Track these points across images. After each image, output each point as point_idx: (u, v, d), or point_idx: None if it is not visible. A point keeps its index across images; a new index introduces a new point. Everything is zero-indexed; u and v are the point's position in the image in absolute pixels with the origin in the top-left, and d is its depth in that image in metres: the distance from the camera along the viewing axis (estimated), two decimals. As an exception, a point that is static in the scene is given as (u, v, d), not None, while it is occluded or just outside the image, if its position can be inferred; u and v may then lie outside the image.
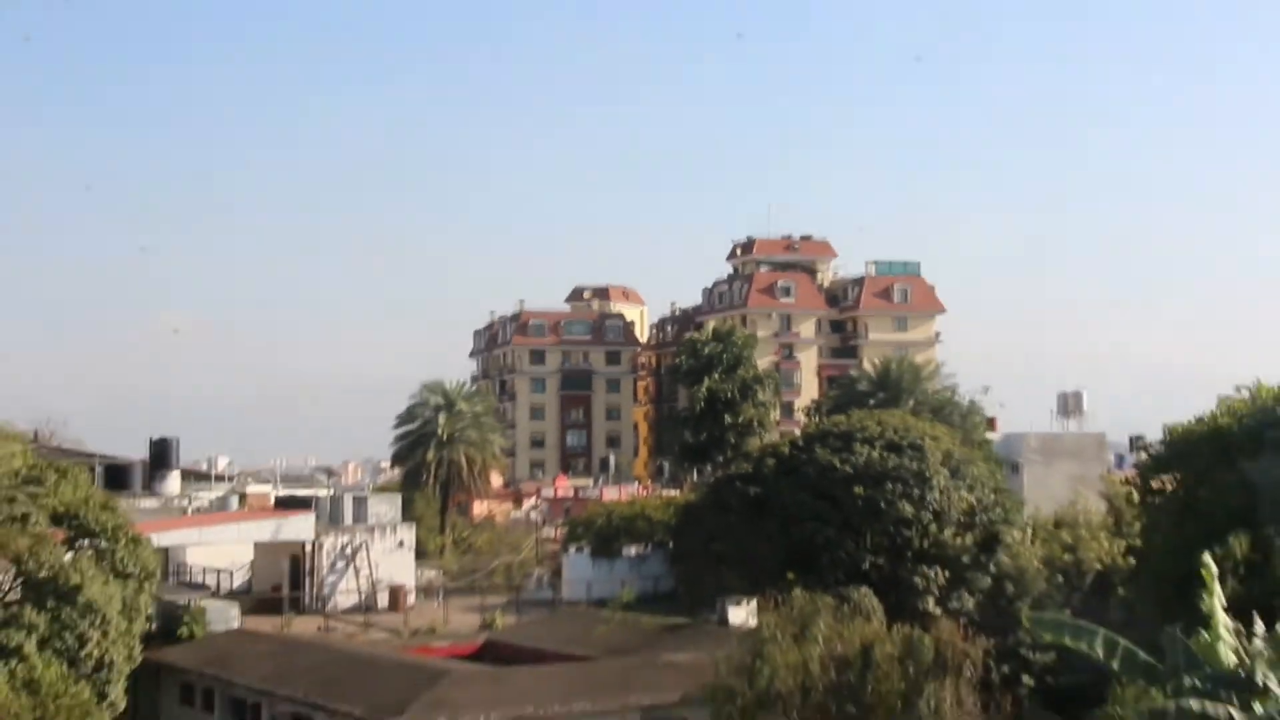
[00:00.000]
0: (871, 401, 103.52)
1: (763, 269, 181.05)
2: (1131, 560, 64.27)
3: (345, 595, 73.62)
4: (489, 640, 61.07)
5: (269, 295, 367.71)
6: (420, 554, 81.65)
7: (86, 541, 51.70)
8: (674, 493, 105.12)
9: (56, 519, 51.43)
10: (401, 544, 77.30)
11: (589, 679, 47.94)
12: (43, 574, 48.06)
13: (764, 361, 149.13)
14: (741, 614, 56.31)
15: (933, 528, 64.37)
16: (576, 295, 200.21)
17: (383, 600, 73.62)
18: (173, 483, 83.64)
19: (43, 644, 45.67)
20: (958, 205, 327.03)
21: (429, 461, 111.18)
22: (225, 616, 60.86)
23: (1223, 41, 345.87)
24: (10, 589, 49.03)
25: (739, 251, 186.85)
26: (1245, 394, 59.67)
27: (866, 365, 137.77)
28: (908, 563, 63.52)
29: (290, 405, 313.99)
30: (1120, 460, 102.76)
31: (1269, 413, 56.45)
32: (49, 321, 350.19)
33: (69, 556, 49.88)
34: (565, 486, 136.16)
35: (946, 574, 63.56)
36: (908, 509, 64.23)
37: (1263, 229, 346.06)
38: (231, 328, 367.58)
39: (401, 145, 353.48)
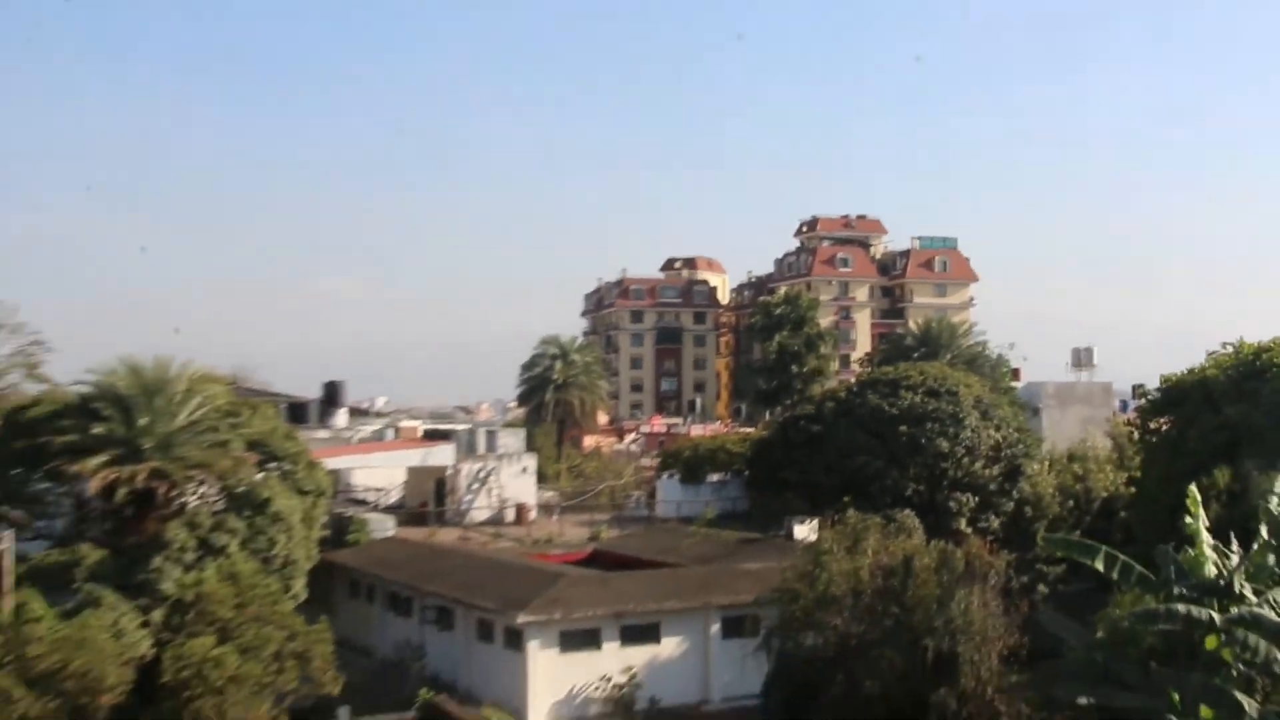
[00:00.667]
0: (915, 355, 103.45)
1: (824, 243, 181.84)
2: (1131, 489, 64.25)
3: (479, 511, 74.76)
4: (596, 549, 61.68)
5: (422, 262, 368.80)
6: (540, 478, 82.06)
7: (274, 464, 53.26)
8: (749, 430, 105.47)
9: (251, 446, 52.82)
10: (525, 470, 78.42)
11: (677, 582, 47.99)
12: (241, 489, 49.82)
13: (825, 321, 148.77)
14: (804, 531, 56.11)
15: (965, 460, 65.11)
16: (669, 265, 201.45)
17: (509, 515, 74.58)
18: (341, 418, 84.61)
19: (242, 545, 47.29)
20: (988, 186, 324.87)
21: (547, 402, 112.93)
22: (383, 527, 61.99)
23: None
24: (217, 501, 50.63)
25: (804, 228, 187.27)
26: (1230, 349, 60.31)
27: (911, 325, 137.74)
28: (943, 490, 64.38)
29: (436, 354, 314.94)
30: (1124, 405, 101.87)
31: (1249, 366, 57.17)
32: (246, 282, 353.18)
33: (261, 476, 51.41)
34: (659, 424, 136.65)
35: (976, 499, 64.48)
36: (944, 445, 65.05)
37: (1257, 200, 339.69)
38: (392, 289, 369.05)
39: (551, 141, 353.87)
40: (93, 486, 49.50)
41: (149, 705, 40.16)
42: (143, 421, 50.49)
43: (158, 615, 43.89)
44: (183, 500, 50.80)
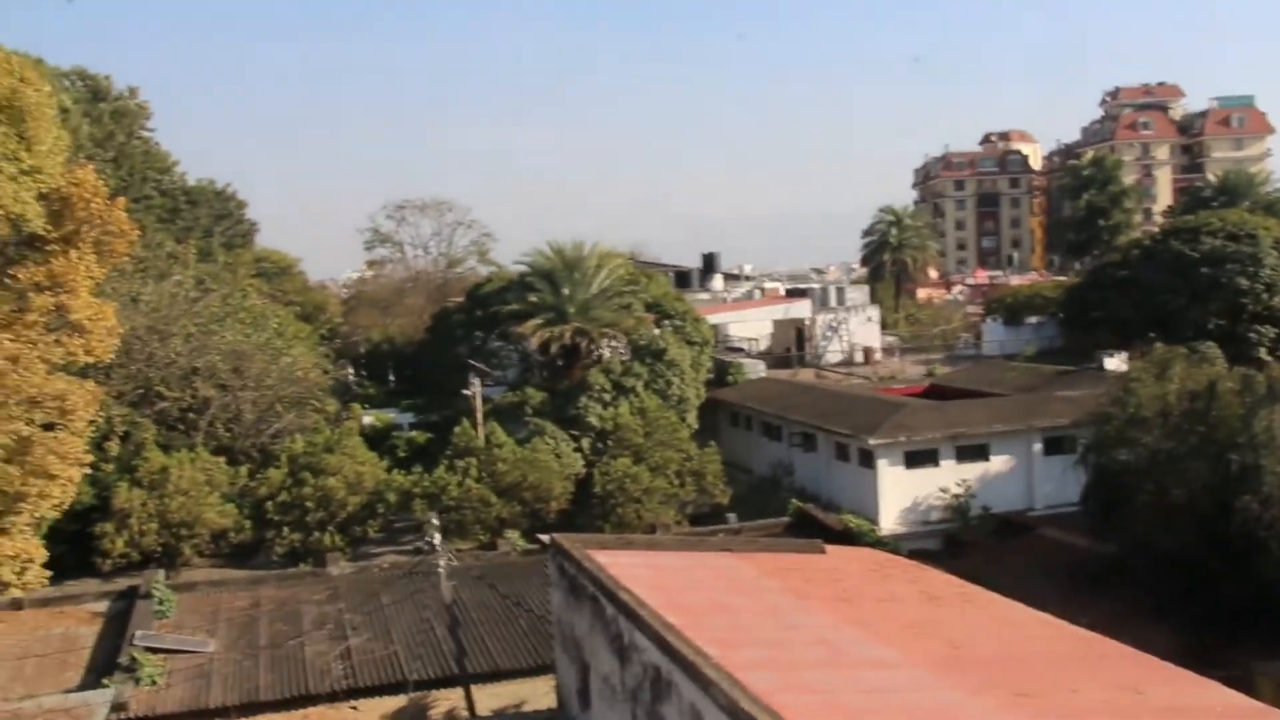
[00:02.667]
0: (1214, 204, 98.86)
1: (1126, 110, 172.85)
2: None
3: (832, 354, 76.45)
4: (932, 383, 61.36)
5: (778, 147, 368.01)
6: (882, 325, 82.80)
7: (668, 321, 55.90)
8: (1062, 278, 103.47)
9: (648, 307, 55.93)
10: (869, 319, 79.51)
11: (1003, 409, 47.61)
12: (643, 342, 52.84)
13: (1129, 179, 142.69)
14: (1115, 363, 55.09)
15: (1264, 296, 63.15)
16: (986, 139, 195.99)
17: (858, 357, 76.04)
18: (717, 282, 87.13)
19: (646, 386, 50.20)
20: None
21: (885, 261, 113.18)
22: (755, 369, 63.57)
23: None
24: (625, 352, 53.78)
25: (1108, 98, 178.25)
26: None
27: (1209, 177, 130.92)
28: (1244, 323, 62.51)
29: (792, 225, 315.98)
30: None
31: None
32: (641, 168, 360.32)
33: (658, 331, 54.24)
34: (982, 276, 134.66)
35: (1275, 331, 62.62)
36: (1244, 283, 63.16)
37: None
38: (754, 172, 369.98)
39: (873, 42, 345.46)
40: (533, 343, 53.55)
41: (584, 511, 43.44)
42: (566, 291, 54.07)
43: (586, 442, 47.38)
44: (599, 352, 54.31)
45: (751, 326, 76.60)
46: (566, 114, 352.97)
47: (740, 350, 72.50)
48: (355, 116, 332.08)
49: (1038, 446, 45.69)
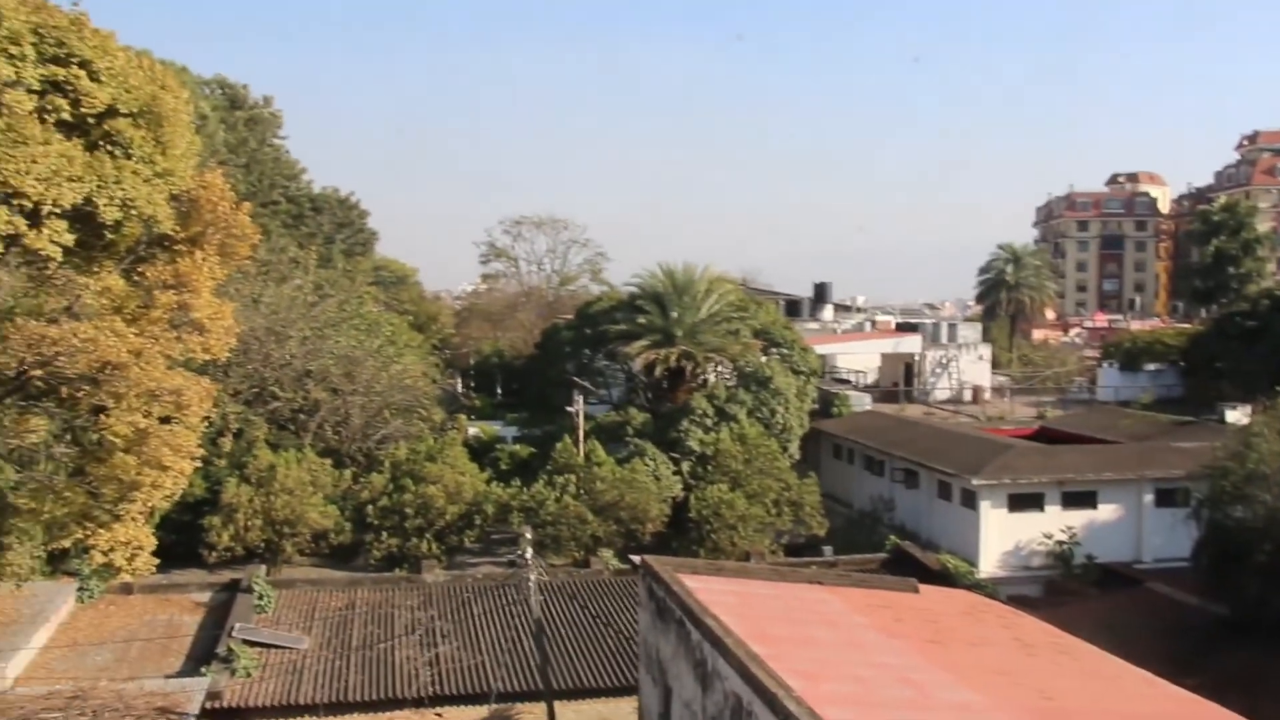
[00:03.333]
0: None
1: (1264, 155, 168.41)
2: None
3: (941, 391, 75.24)
4: (1042, 426, 60.23)
5: (905, 180, 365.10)
6: (994, 364, 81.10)
7: (775, 349, 55.62)
8: (1185, 325, 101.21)
9: (756, 334, 55.62)
10: (981, 357, 78.12)
11: (1115, 456, 46.41)
12: (749, 369, 52.56)
13: (1263, 227, 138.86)
14: (1236, 416, 53.31)
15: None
16: (1113, 179, 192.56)
17: (967, 395, 74.68)
18: (827, 312, 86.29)
19: (749, 413, 49.90)
20: None
21: (1001, 300, 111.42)
22: (861, 402, 62.88)
23: None
24: (730, 378, 53.63)
25: (1245, 142, 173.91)
26: None
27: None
28: (1376, 382, 60.75)
29: (906, 259, 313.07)
30: None
31: None
32: (747, 201, 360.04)
33: (764, 359, 53.91)
34: (1101, 320, 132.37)
35: None
36: (1378, 340, 61.24)
37: None
38: (869, 205, 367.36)
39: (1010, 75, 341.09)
40: (638, 364, 53.85)
41: (679, 534, 43.59)
42: (674, 314, 54.22)
43: (686, 466, 47.39)
44: (704, 376, 54.36)
45: (860, 359, 76.04)
46: (690, 138, 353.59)
47: (847, 382, 72.04)
48: (479, 131, 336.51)
49: (1149, 497, 44.70)
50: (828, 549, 43.29)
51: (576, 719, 28.55)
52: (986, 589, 34.80)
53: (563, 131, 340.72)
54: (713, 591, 18.51)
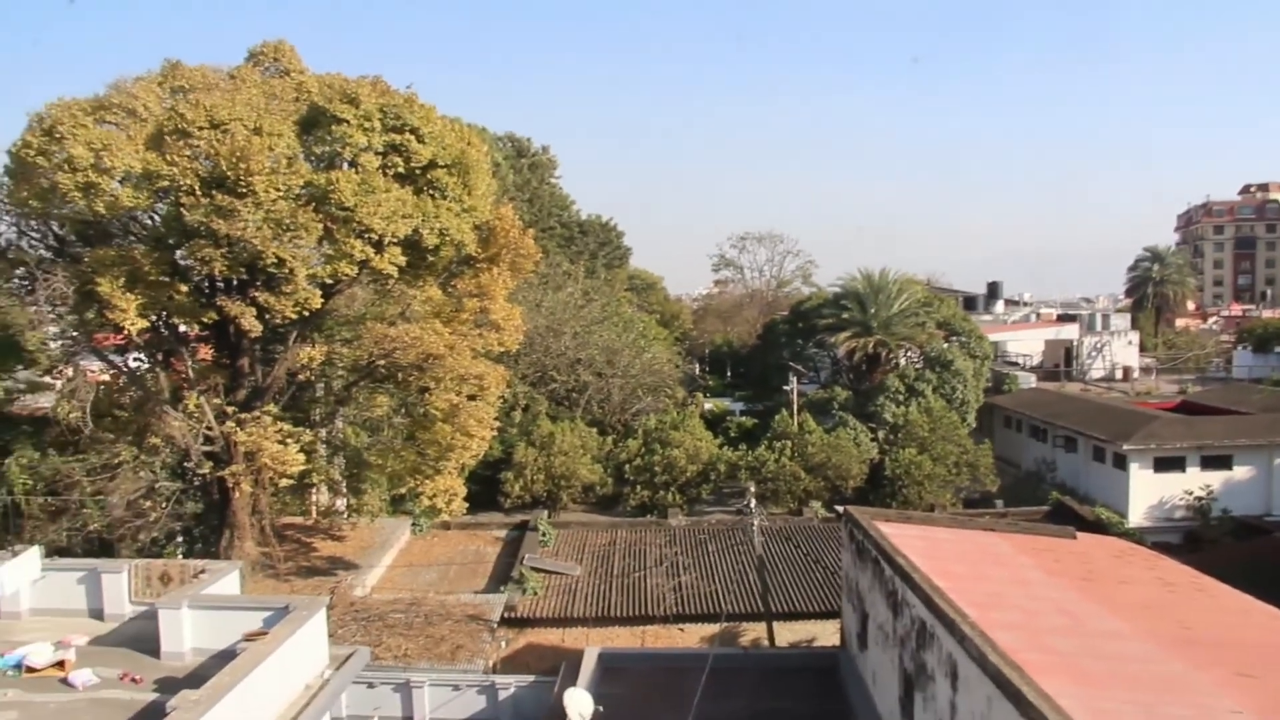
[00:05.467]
0: None
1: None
2: None
3: (1095, 372, 72.13)
4: (1183, 400, 56.70)
5: (1064, 192, 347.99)
6: (1141, 348, 77.27)
7: (955, 338, 54.03)
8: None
9: (939, 325, 54.27)
10: (1130, 342, 74.65)
11: (1248, 425, 43.63)
12: (933, 354, 51.18)
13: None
14: None
15: None
16: (1245, 189, 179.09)
17: (1118, 375, 71.69)
18: (999, 306, 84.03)
19: (934, 390, 48.51)
20: None
21: (1148, 294, 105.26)
22: (1027, 380, 60.75)
23: None
24: (917, 362, 52.07)
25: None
26: None
27: None
28: None
29: (1066, 258, 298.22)
30: None
31: None
32: (941, 203, 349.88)
33: (946, 345, 52.36)
34: (1236, 309, 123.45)
35: None
36: None
37: None
38: (1033, 211, 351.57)
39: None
40: (841, 351, 53.11)
41: (875, 489, 42.77)
42: (871, 310, 53.28)
43: (881, 434, 46.48)
44: (896, 360, 53.22)
45: (1026, 345, 73.34)
46: (875, 172, 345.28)
47: (1015, 364, 69.65)
48: (709, 160, 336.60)
49: (1278, 461, 41.86)
50: (999, 503, 42.14)
51: (791, 635, 28.46)
52: (1134, 537, 33.20)
53: (778, 165, 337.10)
54: (902, 536, 18.23)
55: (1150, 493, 41.45)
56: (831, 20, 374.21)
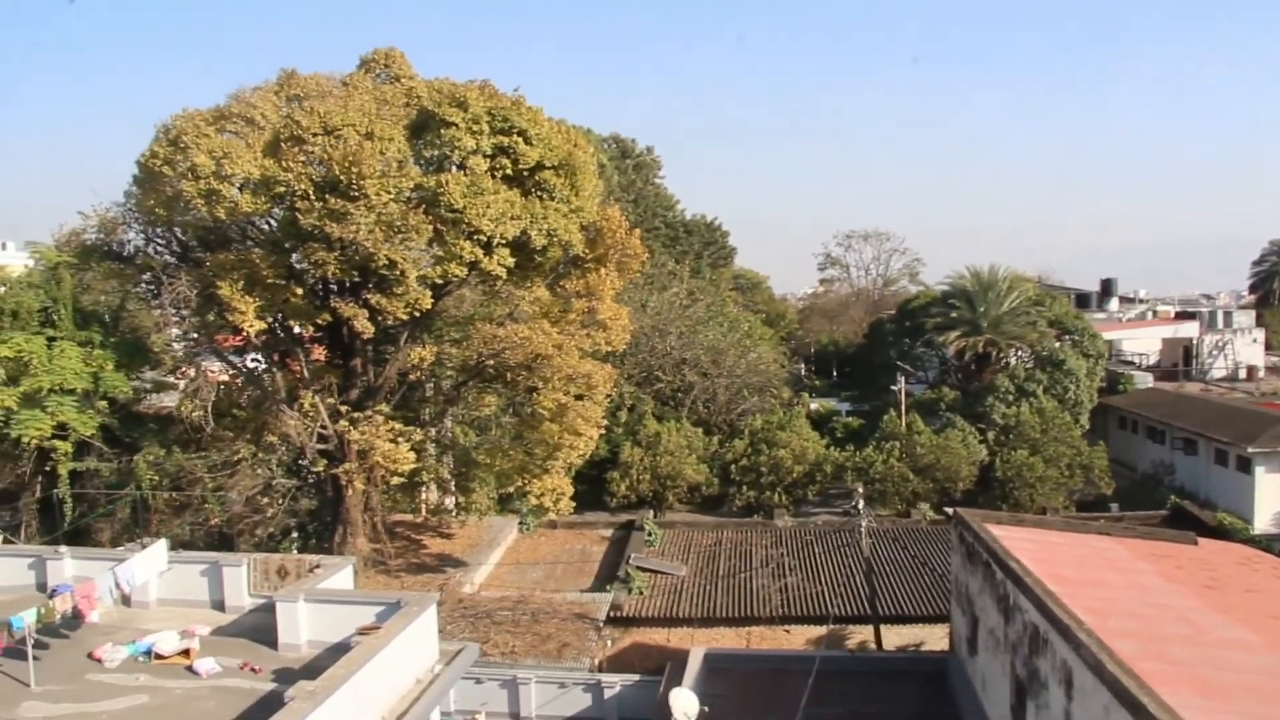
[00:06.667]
0: None
1: None
2: None
3: (1216, 371, 69.14)
4: None
5: (1183, 178, 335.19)
6: (1267, 346, 73.64)
7: (1067, 336, 52.37)
8: None
9: (1050, 323, 52.71)
10: (1255, 340, 71.21)
11: None
12: (1044, 353, 49.83)
13: None
14: None
15: None
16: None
17: (1242, 374, 68.61)
18: (1113, 304, 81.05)
19: (1045, 390, 47.22)
20: None
21: (1274, 289, 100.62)
22: (1144, 380, 58.25)
23: None
24: (1028, 361, 50.97)
25: None
26: None
27: None
28: None
29: (1187, 253, 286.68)
30: None
31: None
32: (1051, 198, 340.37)
33: (1058, 344, 50.88)
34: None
35: None
36: None
37: None
38: (1167, 209, 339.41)
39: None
40: (950, 350, 52.14)
41: (985, 492, 41.74)
42: (980, 308, 52.12)
43: (990, 435, 45.37)
44: (1005, 360, 52.01)
45: (1142, 343, 70.57)
46: (988, 166, 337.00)
47: (1131, 364, 67.30)
48: (804, 159, 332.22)
49: None
50: (1114, 506, 40.73)
51: (898, 639, 27.93)
52: (1260, 544, 31.65)
53: (887, 160, 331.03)
54: (1014, 539, 17.70)
55: (1278, 497, 39.60)
56: (953, 16, 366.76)
